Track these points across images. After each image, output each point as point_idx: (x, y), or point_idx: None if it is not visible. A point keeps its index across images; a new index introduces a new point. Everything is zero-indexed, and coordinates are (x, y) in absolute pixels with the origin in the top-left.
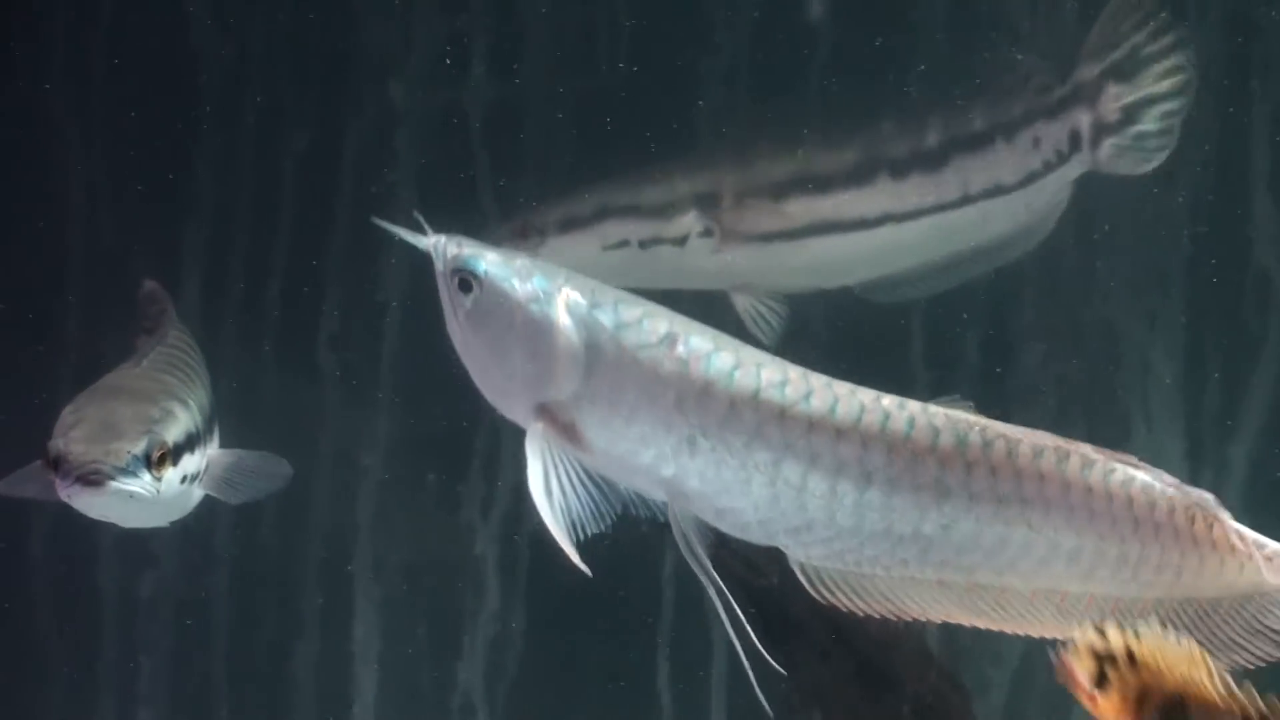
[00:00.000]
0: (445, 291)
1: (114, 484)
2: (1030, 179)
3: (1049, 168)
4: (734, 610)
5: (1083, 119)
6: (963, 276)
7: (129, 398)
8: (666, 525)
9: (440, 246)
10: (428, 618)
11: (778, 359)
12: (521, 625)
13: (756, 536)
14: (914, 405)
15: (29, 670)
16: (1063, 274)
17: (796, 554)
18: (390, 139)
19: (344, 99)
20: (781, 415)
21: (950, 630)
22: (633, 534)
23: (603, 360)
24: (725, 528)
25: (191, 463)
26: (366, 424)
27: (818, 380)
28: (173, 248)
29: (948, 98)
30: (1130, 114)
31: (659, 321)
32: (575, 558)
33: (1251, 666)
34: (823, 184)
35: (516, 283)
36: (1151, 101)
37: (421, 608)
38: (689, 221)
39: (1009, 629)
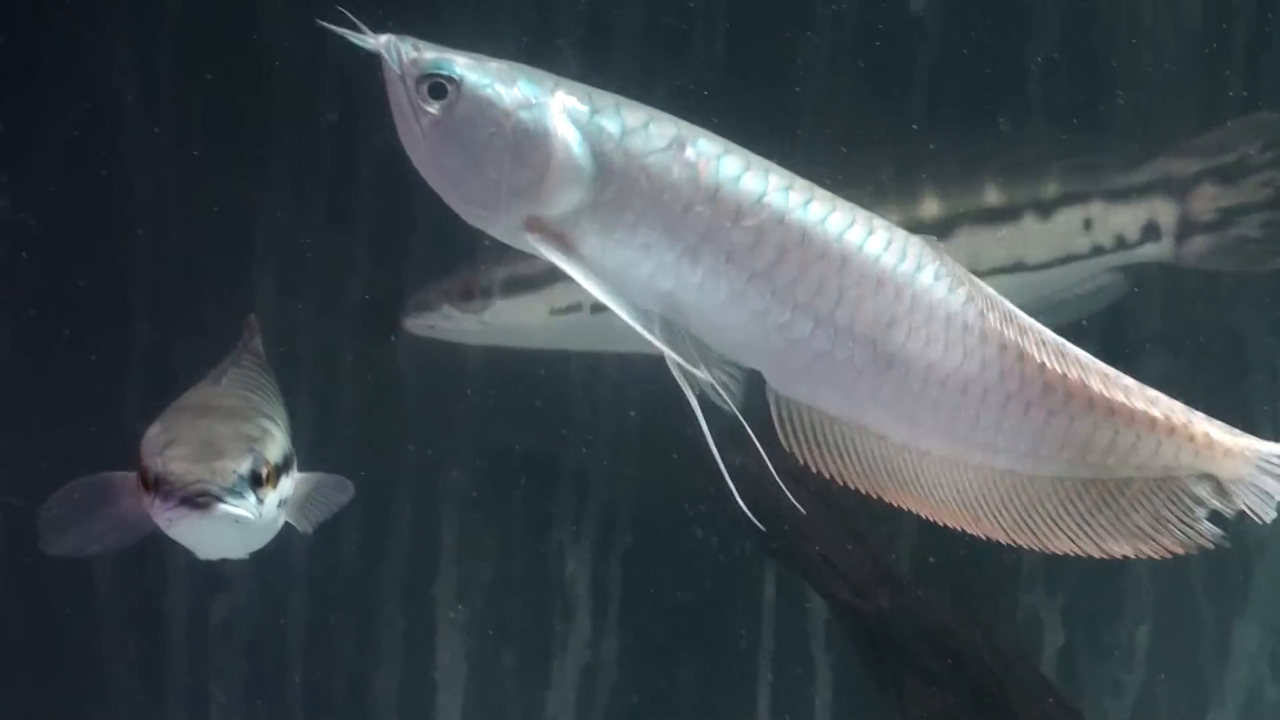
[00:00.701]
0: (404, 98)
1: (222, 506)
2: (1069, 260)
3: (1100, 252)
4: (701, 425)
5: (1166, 211)
6: None
7: (222, 415)
8: (770, 550)
9: (395, 48)
10: (515, 644)
11: (782, 169)
12: (614, 652)
13: (742, 357)
14: (900, 232)
15: (96, 699)
16: (1187, 280)
17: (778, 383)
18: None
19: None
20: (781, 221)
21: (1067, 658)
22: (733, 556)
23: (610, 169)
24: (715, 345)
25: (286, 485)
26: (451, 440)
27: (821, 191)
28: (244, 255)
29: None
30: (1228, 216)
31: (665, 125)
32: (647, 333)
33: (1156, 558)
34: None
35: (501, 88)
36: (1256, 208)
37: (508, 633)
38: None
39: (910, 505)
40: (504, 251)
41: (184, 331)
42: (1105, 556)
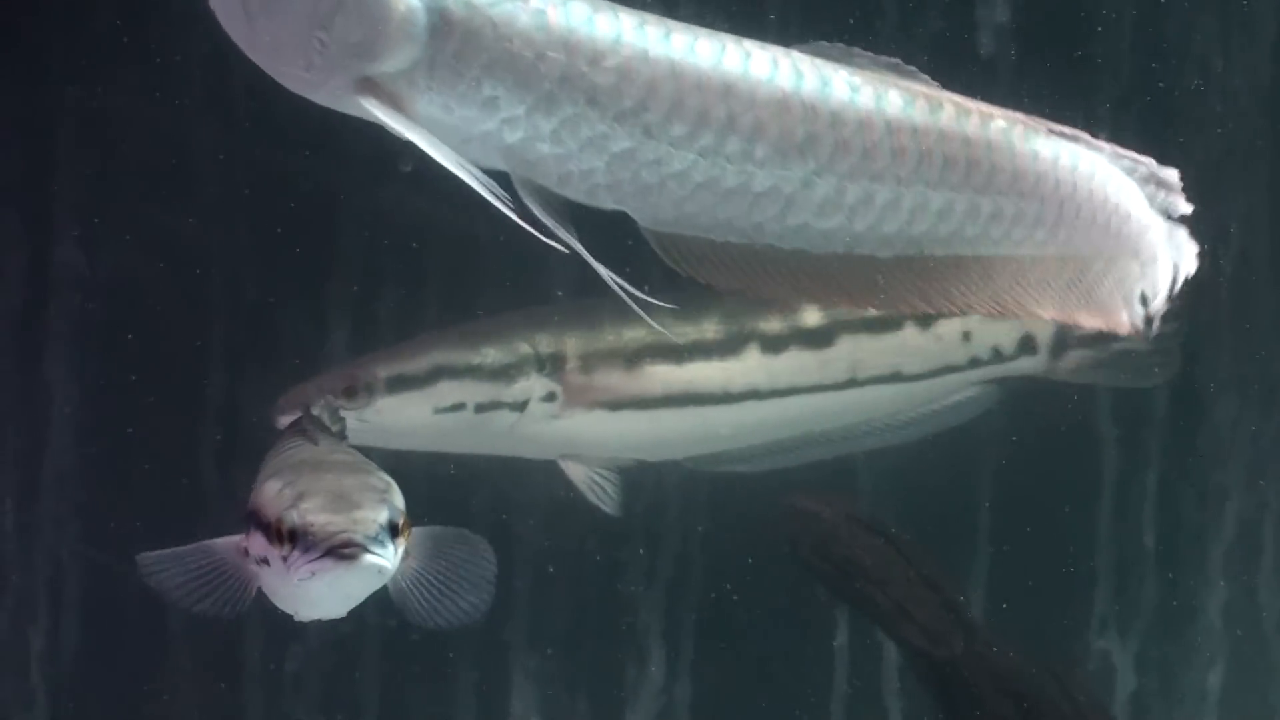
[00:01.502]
0: None
1: (368, 557)
2: (946, 371)
3: (976, 364)
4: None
5: (1043, 325)
6: (846, 449)
7: (343, 469)
8: (842, 596)
9: None
10: (588, 691)
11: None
12: (687, 698)
13: (604, 200)
14: (778, 49)
15: None
16: (1258, 323)
17: (646, 219)
18: None
19: None
20: (646, 58)
21: (1140, 704)
22: (805, 603)
23: (450, 22)
24: (570, 193)
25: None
26: (522, 488)
27: (677, 24)
28: (317, 300)
29: None
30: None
31: None
32: (491, 196)
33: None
34: (682, 353)
35: None
36: None
37: (582, 681)
38: (531, 385)
39: (867, 304)
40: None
41: (255, 386)
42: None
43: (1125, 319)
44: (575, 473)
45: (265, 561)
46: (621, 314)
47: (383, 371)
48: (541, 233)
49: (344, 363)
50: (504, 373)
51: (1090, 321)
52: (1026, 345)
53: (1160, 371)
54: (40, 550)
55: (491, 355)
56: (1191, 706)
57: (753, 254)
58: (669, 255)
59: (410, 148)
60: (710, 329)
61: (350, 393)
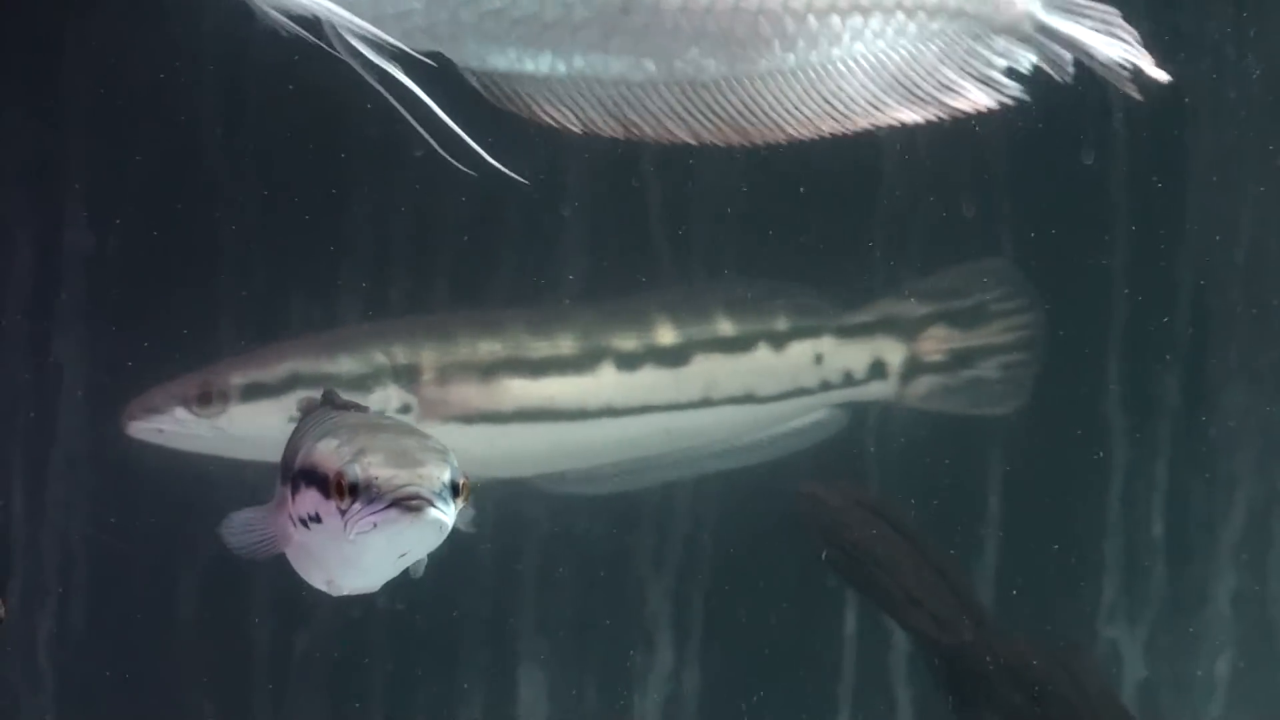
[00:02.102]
0: None
1: (433, 511)
2: (798, 394)
3: (827, 388)
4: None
5: (894, 350)
6: (692, 472)
7: (397, 431)
8: (851, 582)
9: None
10: (596, 678)
11: None
12: (696, 686)
13: (420, 42)
14: None
15: None
16: (1268, 311)
17: (464, 59)
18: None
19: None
20: None
21: (1149, 692)
22: (813, 590)
23: None
24: (389, 33)
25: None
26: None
27: None
28: (329, 283)
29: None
30: (961, 359)
31: None
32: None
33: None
34: (538, 368)
35: None
36: (996, 351)
37: (590, 668)
38: (386, 396)
39: (695, 132)
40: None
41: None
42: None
43: (981, 97)
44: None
45: (316, 519)
46: (479, 326)
47: (237, 378)
48: (369, 70)
49: (198, 368)
50: (360, 383)
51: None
52: (877, 370)
53: (1012, 399)
54: (49, 534)
55: (347, 365)
56: (1200, 695)
57: (575, 86)
58: (492, 94)
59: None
60: (565, 344)
61: (204, 399)
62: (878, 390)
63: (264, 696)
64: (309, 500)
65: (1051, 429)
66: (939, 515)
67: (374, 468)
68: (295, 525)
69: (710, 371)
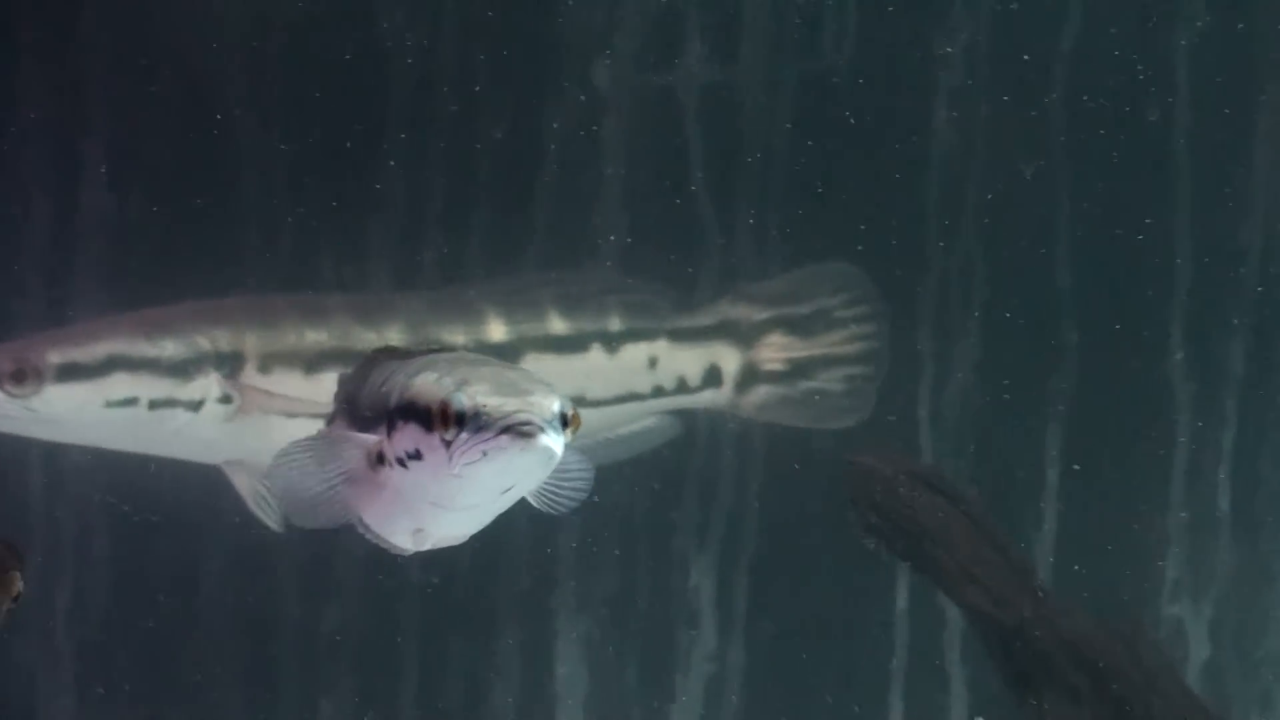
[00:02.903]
0: None
1: (544, 439)
2: (630, 398)
3: (660, 393)
4: None
5: (730, 357)
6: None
7: (496, 364)
8: (903, 557)
9: None
10: (637, 656)
11: None
12: (740, 663)
13: None
14: None
15: (199, 713)
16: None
17: None
18: (597, 129)
19: (545, 85)
20: None
21: (1214, 672)
22: (864, 565)
23: None
24: None
25: None
26: None
27: None
28: (360, 250)
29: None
30: (801, 368)
31: None
32: None
33: None
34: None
35: None
36: (839, 362)
37: (630, 646)
38: (208, 384)
39: None
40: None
41: None
42: None
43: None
44: (240, 481)
45: (416, 456)
46: (306, 313)
47: (54, 356)
48: None
49: (13, 341)
50: (181, 368)
51: None
52: (712, 377)
53: (852, 414)
54: (66, 506)
55: (169, 348)
56: (1268, 675)
57: None
58: None
59: None
60: (393, 337)
61: (18, 377)
62: (711, 398)
63: (289, 674)
64: (408, 436)
65: (1115, 398)
66: (995, 486)
67: (481, 396)
68: (390, 465)
69: (541, 371)
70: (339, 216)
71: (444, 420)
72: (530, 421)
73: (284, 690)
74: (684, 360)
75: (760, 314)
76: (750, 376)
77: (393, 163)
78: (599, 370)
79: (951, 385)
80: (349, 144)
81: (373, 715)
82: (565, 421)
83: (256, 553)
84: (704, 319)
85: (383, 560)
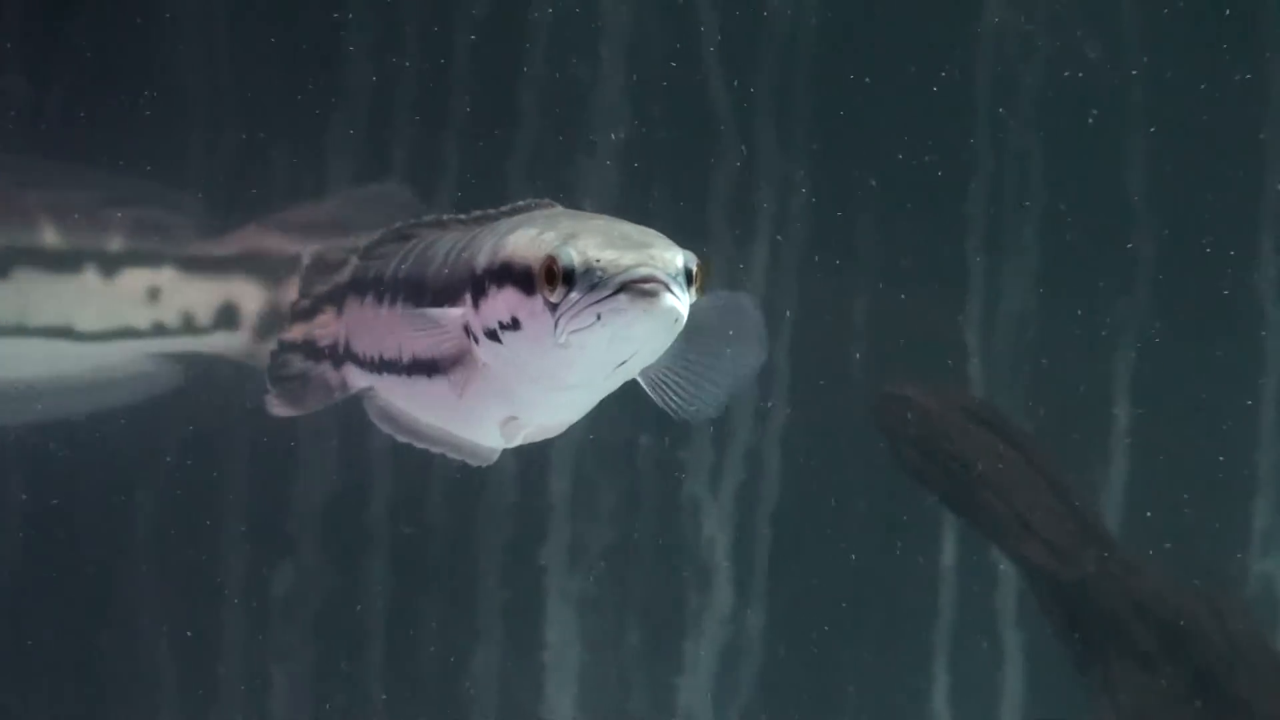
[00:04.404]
0: None
1: (669, 297)
2: (126, 334)
3: (162, 332)
4: None
5: (252, 295)
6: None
7: (601, 219)
8: (951, 504)
9: None
10: (640, 620)
11: None
12: (760, 629)
13: None
14: None
15: (137, 681)
16: None
17: None
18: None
19: None
20: None
21: None
22: (903, 512)
23: None
24: None
25: None
26: None
27: None
28: (318, 140)
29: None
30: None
31: None
32: None
33: None
34: None
35: None
36: None
37: (632, 607)
38: None
39: None
40: None
41: None
42: None
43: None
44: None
45: (513, 325)
46: None
47: None
48: None
49: None
50: None
51: None
52: (226, 317)
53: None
54: None
55: None
56: None
57: None
58: None
59: None
60: None
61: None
62: (224, 343)
63: (238, 641)
64: (503, 302)
65: (1194, 320)
66: (1058, 424)
67: (594, 250)
68: (480, 340)
69: (28, 290)
70: None
71: (549, 279)
72: (653, 277)
73: (228, 658)
74: (193, 294)
75: (295, 245)
76: (275, 321)
77: None
78: (92, 296)
79: (1004, 307)
80: None
81: (331, 688)
82: (690, 279)
83: (202, 499)
84: (223, 248)
85: (339, 507)
